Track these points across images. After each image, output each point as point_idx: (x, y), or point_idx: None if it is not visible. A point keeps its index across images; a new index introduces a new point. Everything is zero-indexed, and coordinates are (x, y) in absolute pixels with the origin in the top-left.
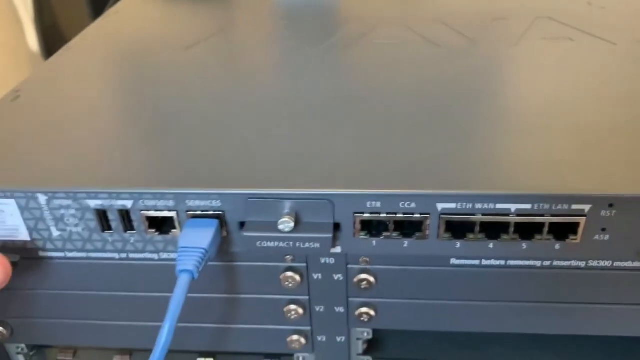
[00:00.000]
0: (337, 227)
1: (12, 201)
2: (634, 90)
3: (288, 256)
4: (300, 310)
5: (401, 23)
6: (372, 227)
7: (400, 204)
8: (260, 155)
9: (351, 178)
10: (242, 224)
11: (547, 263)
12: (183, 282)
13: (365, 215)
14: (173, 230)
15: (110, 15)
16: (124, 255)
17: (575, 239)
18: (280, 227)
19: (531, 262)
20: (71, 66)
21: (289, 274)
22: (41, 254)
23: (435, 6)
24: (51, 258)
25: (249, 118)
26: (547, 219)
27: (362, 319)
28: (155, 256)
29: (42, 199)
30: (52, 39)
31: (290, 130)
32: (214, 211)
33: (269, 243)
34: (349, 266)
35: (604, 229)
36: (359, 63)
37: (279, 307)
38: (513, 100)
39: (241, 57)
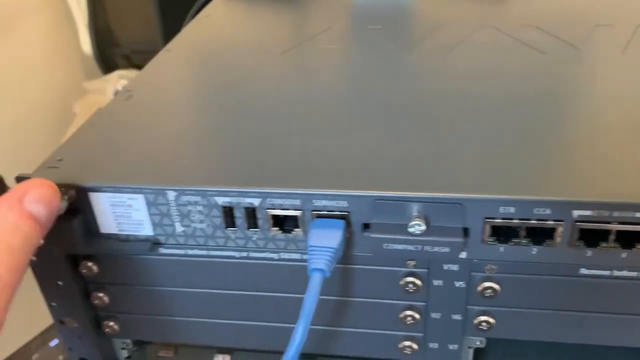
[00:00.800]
0: (465, 231)
1: (140, 196)
2: None
3: (411, 261)
4: (417, 316)
5: (498, 28)
6: (501, 233)
7: (535, 210)
8: (385, 156)
9: (483, 182)
10: (365, 226)
11: None
12: (316, 280)
13: (497, 220)
14: (295, 230)
15: (201, 20)
16: (244, 254)
17: None
18: (411, 229)
19: None
20: (174, 68)
21: (410, 279)
22: (162, 249)
23: (526, 11)
24: (171, 254)
25: (366, 120)
26: None
27: (480, 327)
28: (275, 255)
29: (171, 195)
30: (105, 41)
31: (411, 132)
32: (340, 212)
33: (396, 245)
34: (473, 273)
35: None
36: (462, 66)
37: (395, 312)
38: (629, 108)
39: (336, 60)
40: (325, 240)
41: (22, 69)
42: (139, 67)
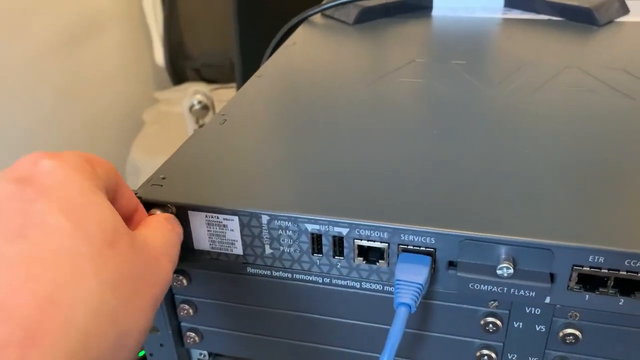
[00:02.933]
0: (550, 277)
1: (235, 218)
2: None
3: (493, 301)
4: (493, 356)
5: (582, 69)
6: (587, 281)
7: (626, 261)
8: (473, 195)
9: (573, 229)
10: (450, 263)
11: None
12: (402, 314)
13: (584, 269)
14: (380, 261)
15: (289, 47)
16: (327, 280)
17: None
18: (499, 272)
19: None
20: (266, 94)
21: (491, 319)
22: (249, 269)
23: (611, 53)
24: (257, 274)
25: (453, 157)
26: None
27: None
28: (357, 284)
29: (265, 219)
30: (177, 54)
31: (498, 173)
32: (426, 248)
33: (482, 286)
34: (554, 318)
35: None
36: (548, 108)
37: (472, 351)
38: None
39: (422, 94)
40: (412, 276)
41: (99, 75)
42: (207, 80)
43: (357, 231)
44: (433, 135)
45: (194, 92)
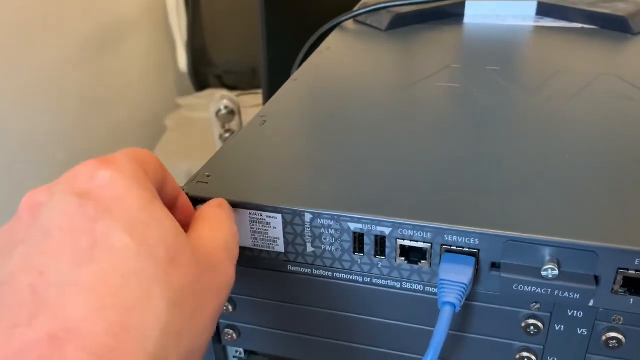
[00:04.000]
0: (595, 279)
1: (279, 216)
2: None
3: (535, 303)
4: (533, 358)
5: (618, 76)
6: (632, 284)
7: None
8: (516, 196)
9: (619, 232)
10: (493, 264)
11: None
12: (447, 314)
13: (630, 272)
14: (422, 262)
15: (323, 51)
16: (367, 279)
17: None
18: (544, 273)
19: None
20: (302, 96)
21: (532, 321)
22: (290, 267)
23: None
24: (298, 272)
25: (494, 159)
26: None
27: None
28: (397, 284)
29: (308, 217)
30: (200, 60)
31: (541, 176)
32: (470, 248)
33: (526, 287)
34: (597, 322)
35: None
36: (585, 114)
37: (511, 353)
38: None
39: (457, 99)
40: (456, 276)
41: (122, 82)
42: (229, 87)
43: (400, 231)
44: (472, 138)
45: (221, 97)
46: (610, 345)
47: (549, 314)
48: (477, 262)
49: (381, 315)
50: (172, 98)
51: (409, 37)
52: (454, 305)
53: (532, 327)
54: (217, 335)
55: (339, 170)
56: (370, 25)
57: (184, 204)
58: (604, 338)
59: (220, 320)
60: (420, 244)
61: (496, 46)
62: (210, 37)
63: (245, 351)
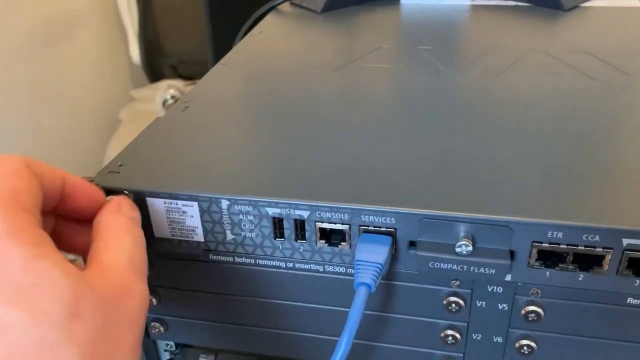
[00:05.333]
0: (511, 254)
1: (195, 204)
2: None
3: (455, 280)
4: (458, 336)
5: (548, 52)
6: (547, 257)
7: (584, 236)
8: (434, 175)
9: (532, 205)
10: (410, 243)
11: None
12: (362, 294)
13: (544, 245)
14: (342, 243)
15: (255, 35)
16: (290, 265)
17: None
18: (458, 249)
19: None
20: (229, 81)
21: (453, 298)
22: (212, 256)
23: (577, 37)
24: (220, 261)
25: (416, 139)
26: None
27: (522, 351)
28: (320, 268)
29: (225, 204)
30: (153, 51)
31: (458, 153)
32: (387, 228)
33: (442, 264)
34: (516, 296)
35: None
36: (514, 91)
37: (436, 331)
38: None
39: (386, 79)
40: (372, 256)
41: (74, 75)
42: (184, 77)
43: (318, 213)
44: (393, 118)
45: (167, 87)
46: (530, 319)
47: (469, 291)
48: (395, 242)
49: (306, 300)
50: (126, 91)
51: (344, 19)
52: (368, 286)
53: (453, 305)
54: (145, 329)
55: (259, 156)
56: (306, 8)
57: (76, 186)
58: (523, 312)
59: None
60: (338, 226)
61: (431, 26)
62: (162, 27)
63: (177, 344)
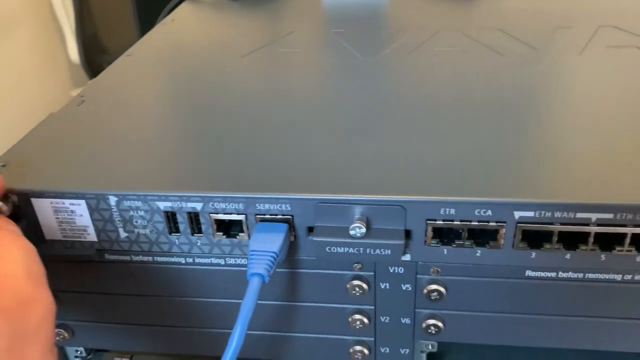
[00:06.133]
0: (407, 234)
1: (82, 202)
2: None
3: (356, 264)
4: (366, 320)
5: (459, 30)
6: (444, 235)
7: (476, 211)
8: (330, 160)
9: (424, 184)
10: (310, 229)
11: (628, 277)
12: (254, 285)
13: (438, 222)
14: (240, 234)
15: (166, 24)
16: (190, 260)
17: None
18: (352, 232)
19: (611, 276)
20: (132, 72)
21: (356, 282)
22: (107, 256)
23: (491, 14)
24: (116, 261)
25: (314, 124)
26: (630, 230)
27: (429, 331)
28: (221, 261)
29: (113, 200)
30: (92, 49)
31: (356, 136)
32: (283, 215)
33: (338, 248)
34: (418, 276)
35: None
36: (421, 70)
37: (344, 317)
38: (583, 108)
39: (298, 65)
40: (266, 245)
41: (12, 77)
42: None
43: (212, 204)
44: (293, 104)
45: None
46: (433, 298)
47: (372, 273)
48: (294, 229)
49: (211, 295)
50: (66, 90)
51: (259, 5)
52: (262, 276)
53: (357, 288)
54: None
55: (151, 149)
56: None
57: None
58: (425, 291)
59: None
60: (234, 216)
61: (347, 9)
62: (100, 24)
63: (88, 350)
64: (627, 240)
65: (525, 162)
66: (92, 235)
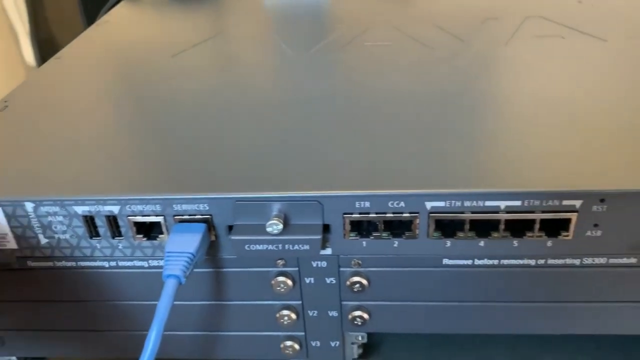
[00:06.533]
0: (327, 228)
1: None
2: (623, 85)
3: (280, 260)
4: (293, 316)
5: (392, 25)
6: (363, 228)
7: (389, 203)
8: (247, 158)
9: (339, 179)
10: (230, 228)
11: (541, 261)
12: (170, 287)
13: (354, 215)
14: (161, 236)
15: (100, 25)
16: (113, 263)
17: (567, 235)
18: (269, 229)
19: (525, 261)
20: (60, 75)
21: (281, 278)
22: (30, 263)
23: (424, 9)
24: (40, 267)
25: (234, 122)
26: (538, 216)
27: (355, 322)
28: (144, 263)
29: (29, 206)
30: (48, 51)
31: (276, 133)
32: (202, 215)
33: (257, 246)
34: (341, 269)
35: (596, 225)
36: (348, 65)
37: (272, 313)
38: (502, 98)
39: (227, 63)
40: (182, 246)
41: None
42: None
43: (129, 207)
44: (213, 102)
45: None
46: (356, 290)
47: (296, 269)
48: (214, 228)
49: (137, 298)
50: None
51: (195, 4)
52: (177, 277)
53: (282, 285)
54: None
55: (71, 153)
56: None
57: None
58: (348, 284)
59: None
60: (152, 218)
61: (287, 8)
62: (55, 25)
63: (22, 359)
64: (537, 226)
65: (438, 153)
66: (12, 243)
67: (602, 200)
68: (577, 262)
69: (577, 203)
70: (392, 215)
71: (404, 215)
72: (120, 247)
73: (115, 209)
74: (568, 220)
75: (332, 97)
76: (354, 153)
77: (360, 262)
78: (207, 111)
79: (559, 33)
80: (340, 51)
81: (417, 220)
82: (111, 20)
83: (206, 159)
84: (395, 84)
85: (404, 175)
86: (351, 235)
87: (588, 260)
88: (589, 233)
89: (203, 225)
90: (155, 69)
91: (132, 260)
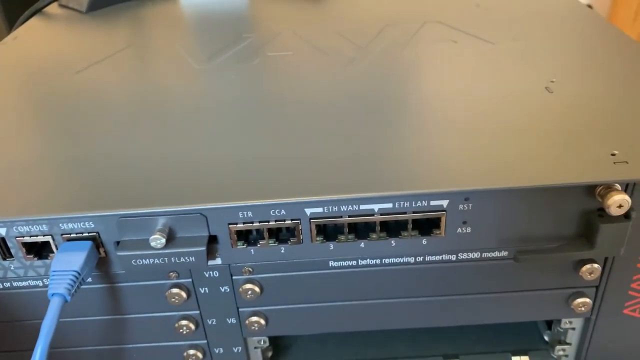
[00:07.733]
0: (215, 239)
1: None
2: (499, 87)
3: (172, 273)
4: (192, 326)
5: (296, 35)
6: (251, 237)
7: (271, 211)
8: (133, 174)
9: (222, 190)
10: (118, 244)
11: (420, 258)
12: (54, 305)
13: (239, 225)
14: (52, 255)
15: (7, 42)
16: (7, 284)
17: (439, 233)
18: (152, 244)
19: (405, 259)
20: None
21: (175, 290)
22: None
23: (331, 16)
24: None
25: (122, 139)
26: (410, 216)
27: (253, 328)
28: (39, 282)
29: None
30: None
31: (161, 148)
32: (89, 233)
33: (144, 260)
34: (234, 277)
35: (464, 222)
36: (250, 75)
37: (170, 324)
38: (385, 102)
39: (127, 79)
40: (67, 264)
41: None
42: None
43: (16, 228)
44: (105, 120)
45: None
46: (249, 297)
47: (190, 280)
48: (102, 245)
49: (34, 317)
50: None
51: (108, 18)
52: (62, 295)
53: (176, 296)
54: None
55: None
56: (72, 8)
57: None
58: (241, 291)
59: None
60: (40, 238)
61: (204, 15)
62: None
63: None
64: (410, 225)
65: (318, 160)
66: None
67: (466, 199)
68: (453, 257)
69: (444, 203)
70: (274, 223)
71: (286, 222)
72: (12, 268)
73: (2, 231)
74: (438, 219)
75: (219, 112)
76: (237, 165)
77: (251, 269)
78: (95, 129)
79: (452, 37)
80: (244, 62)
81: (300, 227)
82: (19, 36)
83: (92, 177)
84: (284, 93)
85: (284, 184)
86: (239, 244)
87: (463, 256)
88: (459, 230)
89: (88, 243)
90: (58, 87)
91: (26, 280)
